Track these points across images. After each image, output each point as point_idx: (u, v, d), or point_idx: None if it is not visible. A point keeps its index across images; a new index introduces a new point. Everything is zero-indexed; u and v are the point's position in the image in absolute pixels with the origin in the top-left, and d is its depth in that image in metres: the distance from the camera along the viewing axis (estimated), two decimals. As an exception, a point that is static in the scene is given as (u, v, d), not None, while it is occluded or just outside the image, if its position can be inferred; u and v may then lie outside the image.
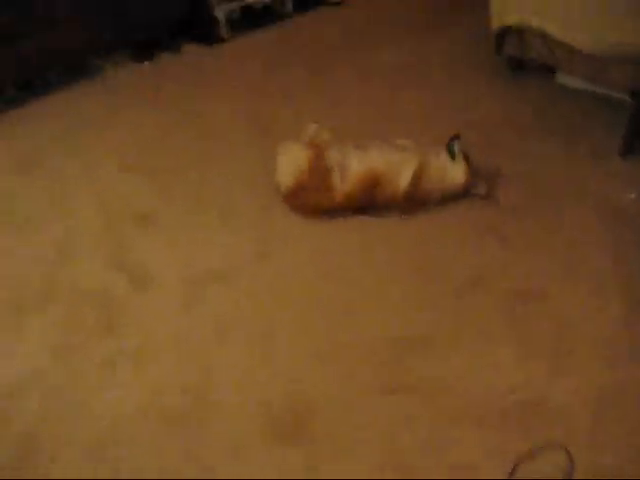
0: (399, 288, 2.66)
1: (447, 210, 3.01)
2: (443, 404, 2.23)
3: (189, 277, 2.74)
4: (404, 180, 2.88)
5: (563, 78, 3.82)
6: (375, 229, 2.93)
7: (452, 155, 2.95)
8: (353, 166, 2.88)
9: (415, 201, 2.95)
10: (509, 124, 3.59)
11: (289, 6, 4.79)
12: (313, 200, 2.92)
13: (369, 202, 2.94)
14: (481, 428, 2.15)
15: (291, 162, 2.94)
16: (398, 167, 2.90)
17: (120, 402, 2.28)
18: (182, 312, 2.60)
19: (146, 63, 4.24)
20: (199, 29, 4.44)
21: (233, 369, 2.38)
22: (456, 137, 2.97)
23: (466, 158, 2.96)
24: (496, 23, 3.73)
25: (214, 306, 2.61)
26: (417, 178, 2.89)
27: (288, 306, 2.61)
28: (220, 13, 4.41)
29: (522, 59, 3.88)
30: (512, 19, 3.62)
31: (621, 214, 2.92)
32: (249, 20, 4.63)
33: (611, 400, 2.21)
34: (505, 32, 3.76)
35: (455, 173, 2.95)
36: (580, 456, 2.04)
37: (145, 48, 4.26)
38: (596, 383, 2.26)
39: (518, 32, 3.70)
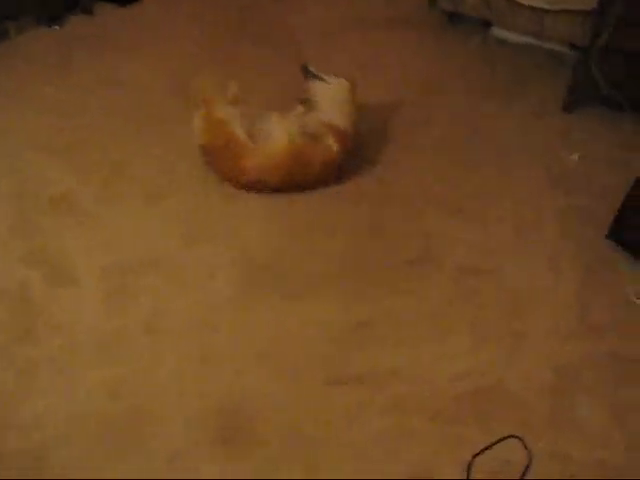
0: (341, 273, 2.50)
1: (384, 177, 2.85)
2: (393, 396, 2.10)
3: (112, 268, 2.51)
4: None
5: (500, 32, 3.67)
6: (307, 206, 2.75)
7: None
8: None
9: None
10: (447, 82, 3.43)
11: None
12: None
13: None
14: (435, 418, 2.04)
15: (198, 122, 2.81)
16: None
17: (48, 412, 2.08)
18: (106, 308, 2.37)
19: (55, 27, 3.89)
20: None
21: (166, 369, 2.19)
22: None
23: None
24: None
25: (141, 299, 2.40)
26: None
27: (222, 298, 2.42)
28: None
29: (456, 13, 3.69)
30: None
31: (568, 177, 2.82)
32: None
33: (568, 381, 2.12)
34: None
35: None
36: (538, 445, 1.96)
37: (54, 10, 3.89)
38: (552, 363, 2.17)
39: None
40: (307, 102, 2.84)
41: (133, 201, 2.79)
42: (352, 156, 2.85)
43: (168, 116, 3.21)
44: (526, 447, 1.95)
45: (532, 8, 3.32)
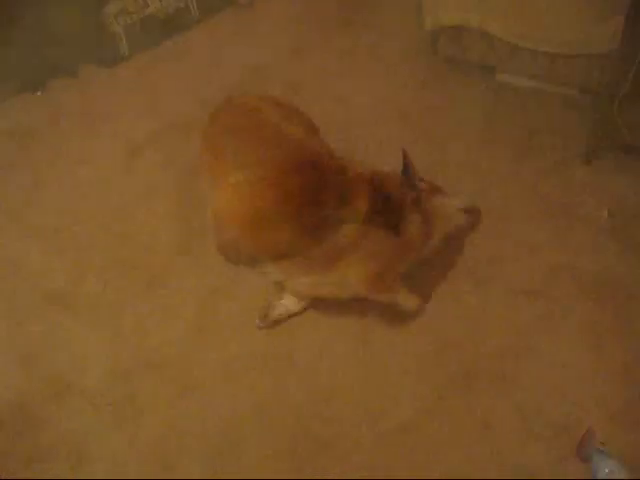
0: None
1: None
2: None
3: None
4: None
5: (504, 77, 3.50)
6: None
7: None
8: None
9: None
10: (455, 134, 3.24)
11: (195, 11, 4.26)
12: None
13: None
14: None
15: None
16: None
17: None
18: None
19: (38, 93, 3.68)
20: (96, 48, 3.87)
21: None
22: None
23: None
24: (430, 24, 3.38)
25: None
26: None
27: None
28: (119, 27, 3.86)
29: (460, 59, 3.53)
30: (449, 19, 3.26)
31: (599, 233, 2.65)
32: (150, 32, 4.08)
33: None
34: (441, 31, 3.41)
35: None
36: None
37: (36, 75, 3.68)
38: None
39: (455, 30, 3.36)
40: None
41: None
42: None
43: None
44: None
45: (542, 52, 3.16)
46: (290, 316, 2.42)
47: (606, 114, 2.84)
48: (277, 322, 2.39)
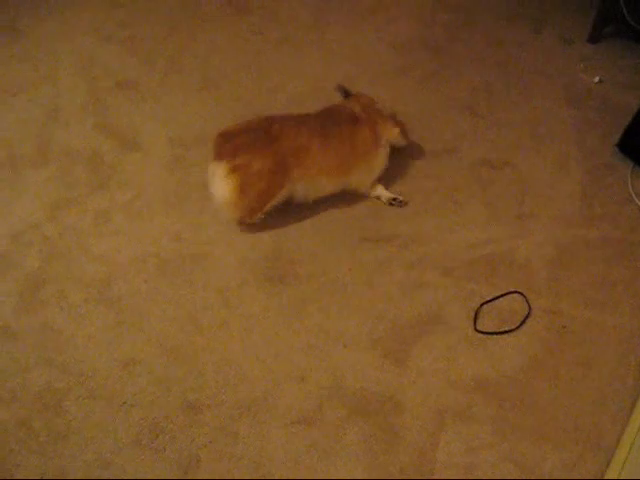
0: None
1: (426, 89, 3.16)
2: (416, 254, 2.45)
3: (174, 140, 2.86)
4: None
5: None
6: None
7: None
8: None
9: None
10: (484, 6, 3.67)
11: None
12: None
13: None
14: (450, 275, 2.38)
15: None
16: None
17: (116, 249, 2.46)
18: (170, 172, 2.73)
19: None
20: None
21: (221, 225, 2.54)
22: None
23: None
24: None
25: (200, 167, 2.71)
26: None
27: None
28: None
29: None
30: None
31: (585, 96, 3.10)
32: None
33: (567, 256, 2.45)
34: None
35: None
36: (538, 302, 2.30)
37: None
38: (555, 241, 2.49)
39: None
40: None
41: (190, 86, 3.14)
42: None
43: (219, 19, 3.53)
44: (527, 301, 2.29)
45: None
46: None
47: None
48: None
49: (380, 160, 2.65)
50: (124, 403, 2.06)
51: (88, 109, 3.01)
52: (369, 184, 2.64)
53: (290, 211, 2.57)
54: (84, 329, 2.24)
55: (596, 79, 3.18)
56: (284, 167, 2.42)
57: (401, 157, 2.79)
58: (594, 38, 3.41)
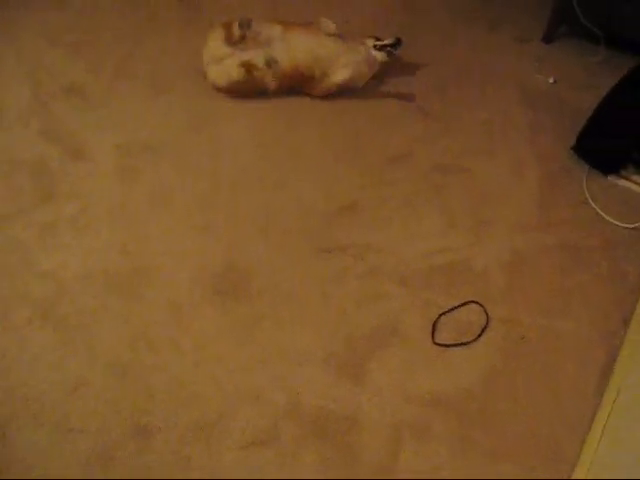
0: (329, 163, 2.76)
1: (375, 88, 3.10)
2: (372, 263, 2.40)
3: (122, 147, 2.76)
4: (339, 76, 2.96)
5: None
6: (304, 108, 2.99)
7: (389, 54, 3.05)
8: (283, 64, 2.92)
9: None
10: (439, 5, 3.63)
11: None
12: (244, 93, 2.99)
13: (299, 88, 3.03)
14: (407, 284, 2.34)
15: (222, 72, 2.94)
16: (328, 64, 2.96)
17: (62, 265, 2.36)
18: (117, 181, 2.64)
19: None
20: None
21: (170, 236, 2.47)
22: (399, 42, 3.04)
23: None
24: None
25: (149, 176, 2.65)
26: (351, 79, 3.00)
27: (222, 178, 2.67)
28: None
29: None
30: None
31: (540, 97, 3.08)
32: None
33: (524, 263, 2.43)
34: None
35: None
36: (496, 311, 2.27)
37: None
38: (511, 248, 2.47)
39: None
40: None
41: (140, 92, 3.02)
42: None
43: (172, 22, 3.42)
44: (485, 311, 2.26)
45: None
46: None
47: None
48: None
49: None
50: (72, 429, 1.98)
51: (33, 115, 2.88)
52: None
53: (242, 219, 2.50)
54: (28, 350, 2.15)
55: (551, 80, 3.16)
56: None
57: (355, 162, 2.74)
58: (549, 38, 3.40)
